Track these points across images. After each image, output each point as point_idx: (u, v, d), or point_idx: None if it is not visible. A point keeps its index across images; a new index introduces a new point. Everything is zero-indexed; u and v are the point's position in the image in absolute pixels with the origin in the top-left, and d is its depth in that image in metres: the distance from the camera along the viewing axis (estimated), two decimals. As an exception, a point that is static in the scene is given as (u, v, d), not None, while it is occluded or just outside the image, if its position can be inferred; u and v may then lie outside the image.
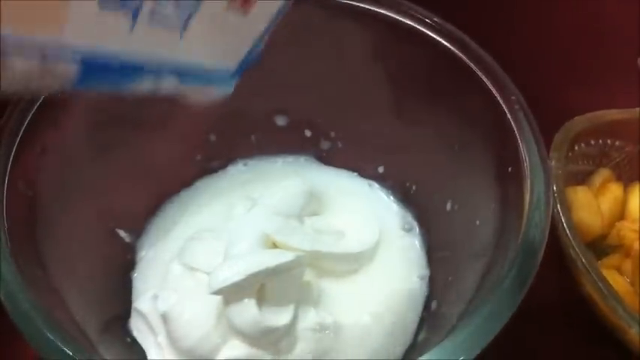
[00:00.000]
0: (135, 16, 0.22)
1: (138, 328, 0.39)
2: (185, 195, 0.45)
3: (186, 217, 0.43)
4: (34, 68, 0.21)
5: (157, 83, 0.25)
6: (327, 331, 0.37)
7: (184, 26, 0.25)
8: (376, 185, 0.46)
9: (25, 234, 0.33)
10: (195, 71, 0.27)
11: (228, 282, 0.34)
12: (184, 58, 0.26)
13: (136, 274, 0.42)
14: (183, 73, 0.26)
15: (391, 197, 0.45)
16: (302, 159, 0.47)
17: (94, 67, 0.22)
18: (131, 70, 0.24)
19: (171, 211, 0.44)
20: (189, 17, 0.24)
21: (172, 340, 0.37)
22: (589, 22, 0.59)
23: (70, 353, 0.28)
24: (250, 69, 0.42)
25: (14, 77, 0.21)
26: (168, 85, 0.26)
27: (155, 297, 0.38)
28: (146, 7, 0.23)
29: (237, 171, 0.47)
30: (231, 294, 0.35)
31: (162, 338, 0.38)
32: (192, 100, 0.30)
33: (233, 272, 0.34)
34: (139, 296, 0.40)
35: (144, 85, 0.25)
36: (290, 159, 0.47)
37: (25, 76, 0.21)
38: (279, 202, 0.40)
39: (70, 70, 0.22)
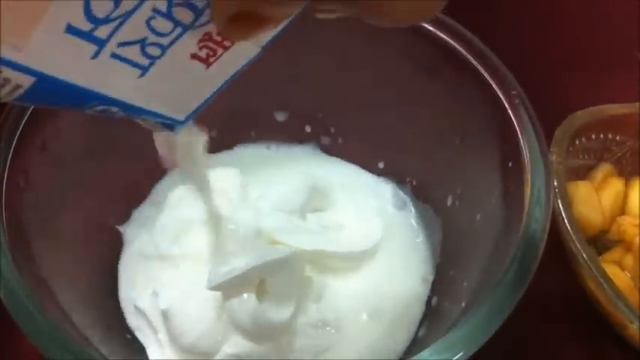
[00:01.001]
0: (100, 45, 0.22)
1: (137, 325, 0.39)
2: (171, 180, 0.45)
3: (171, 207, 0.42)
4: None
5: (103, 112, 0.25)
6: (327, 328, 0.37)
7: (147, 67, 0.25)
8: (380, 178, 0.46)
9: (22, 229, 0.33)
10: (144, 111, 0.27)
11: (228, 277, 0.34)
12: (136, 99, 0.26)
13: (121, 264, 0.41)
14: (131, 110, 0.26)
15: (395, 190, 0.45)
16: (307, 149, 0.47)
17: (47, 83, 0.22)
18: (81, 94, 0.24)
19: (157, 198, 0.44)
20: (154, 59, 0.24)
21: (173, 337, 0.37)
22: (590, 16, 0.59)
23: (74, 351, 0.28)
24: (250, 64, 0.42)
25: None
26: (114, 115, 0.26)
27: (155, 294, 0.38)
28: (113, 42, 0.23)
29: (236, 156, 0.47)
30: (231, 289, 0.35)
31: (162, 335, 0.38)
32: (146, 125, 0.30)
33: (232, 267, 0.34)
34: (128, 288, 0.40)
35: (89, 110, 0.25)
36: (296, 149, 0.47)
37: None
38: (281, 197, 0.40)
39: (23, 79, 0.22)
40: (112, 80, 0.24)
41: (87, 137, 0.38)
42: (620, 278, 0.42)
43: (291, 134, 0.47)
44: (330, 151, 0.47)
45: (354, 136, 0.46)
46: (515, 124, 0.35)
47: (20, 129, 0.34)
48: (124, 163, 0.41)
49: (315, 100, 0.45)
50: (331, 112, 0.45)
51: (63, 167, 0.37)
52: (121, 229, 0.42)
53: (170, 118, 0.28)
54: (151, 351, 0.38)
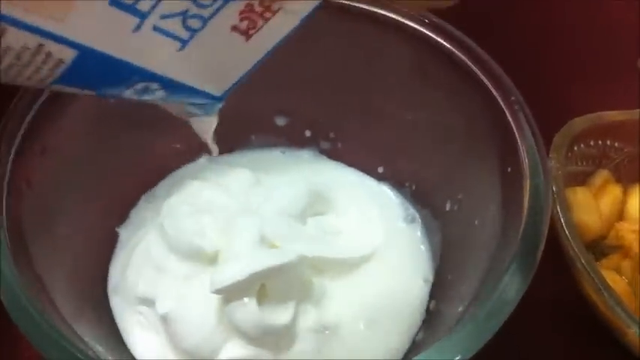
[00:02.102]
0: (142, 18, 0.22)
1: (135, 327, 0.39)
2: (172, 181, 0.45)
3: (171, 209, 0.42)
4: (30, 42, 0.20)
5: (143, 91, 0.25)
6: (327, 332, 0.37)
7: (188, 40, 0.24)
8: (383, 184, 0.46)
9: (22, 232, 0.33)
10: (182, 88, 0.26)
11: (229, 282, 0.34)
12: (176, 73, 0.25)
13: (114, 265, 0.41)
14: (170, 87, 0.26)
15: (397, 195, 0.45)
16: (309, 153, 0.47)
17: (89, 57, 0.22)
18: (123, 70, 0.24)
19: (155, 198, 0.44)
20: (195, 32, 0.24)
21: (173, 340, 0.37)
22: (589, 22, 0.59)
23: (77, 353, 0.28)
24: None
25: (7, 49, 0.20)
26: (154, 95, 0.26)
27: (153, 297, 0.38)
28: (155, 14, 0.22)
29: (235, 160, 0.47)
30: (231, 293, 0.35)
31: (161, 338, 0.38)
32: (174, 113, 0.29)
33: (234, 272, 0.34)
34: (121, 289, 0.40)
35: (129, 91, 0.25)
36: (297, 153, 0.47)
37: (18, 50, 0.20)
38: (283, 202, 0.40)
39: (65, 53, 0.21)
40: (152, 53, 0.24)
41: (87, 141, 0.39)
42: (619, 284, 0.42)
43: (291, 139, 0.47)
44: (330, 155, 0.47)
45: (353, 140, 0.46)
46: (515, 129, 0.35)
47: (21, 134, 0.34)
48: (123, 165, 0.41)
49: (315, 105, 0.45)
50: (331, 116, 0.45)
51: (63, 171, 0.37)
52: (118, 230, 0.42)
53: (207, 95, 0.28)
54: (150, 353, 0.38)
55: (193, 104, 0.28)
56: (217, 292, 0.34)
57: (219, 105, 0.29)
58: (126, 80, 0.24)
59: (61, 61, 0.22)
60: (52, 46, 0.21)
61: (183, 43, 0.24)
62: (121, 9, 0.21)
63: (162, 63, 0.24)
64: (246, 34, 0.26)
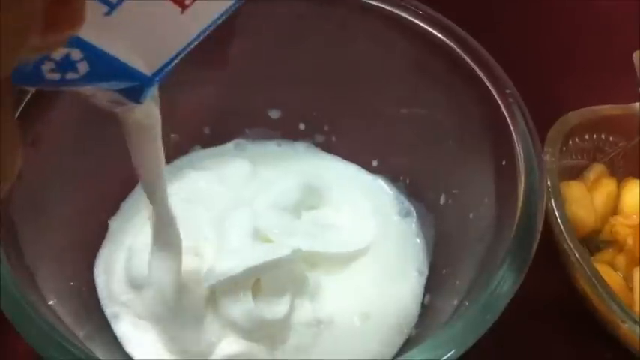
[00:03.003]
0: None
1: (128, 327, 0.38)
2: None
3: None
4: None
5: (63, 64, 0.23)
6: (322, 325, 0.37)
7: (116, 3, 0.23)
8: (378, 177, 0.46)
9: (12, 223, 0.33)
10: (108, 64, 0.25)
11: (224, 276, 0.34)
12: (101, 41, 0.24)
13: (102, 256, 0.41)
14: (94, 60, 0.24)
15: (392, 188, 0.45)
16: (303, 146, 0.47)
17: None
18: None
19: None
20: None
21: (165, 339, 0.37)
22: (584, 16, 0.59)
23: (67, 349, 0.28)
24: (244, 62, 0.42)
25: None
26: (76, 72, 0.24)
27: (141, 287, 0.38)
28: None
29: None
30: (226, 288, 0.35)
31: (154, 337, 0.37)
32: (99, 103, 0.28)
33: (229, 266, 0.34)
34: (110, 282, 0.39)
35: (47, 64, 0.23)
36: (292, 146, 0.47)
37: None
38: (276, 195, 0.40)
39: None
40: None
41: (78, 132, 0.38)
42: (612, 278, 0.42)
43: (285, 132, 0.46)
44: (324, 148, 0.47)
45: (348, 134, 0.46)
46: (509, 123, 0.35)
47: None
48: (114, 157, 0.41)
49: (309, 98, 0.44)
50: (325, 110, 0.45)
51: (54, 162, 0.37)
52: (109, 222, 0.42)
53: (137, 75, 0.26)
54: (144, 353, 0.37)
55: (121, 90, 0.26)
56: (212, 286, 0.34)
57: (152, 91, 0.27)
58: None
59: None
60: None
61: (111, 7, 0.22)
62: None
63: (87, 27, 0.23)
64: (182, 5, 0.24)
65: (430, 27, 0.38)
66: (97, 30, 0.23)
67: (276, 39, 0.41)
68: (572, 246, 0.40)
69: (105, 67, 0.24)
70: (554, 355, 0.43)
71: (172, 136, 0.44)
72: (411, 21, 0.39)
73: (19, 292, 0.30)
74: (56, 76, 0.23)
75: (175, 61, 0.26)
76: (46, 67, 0.23)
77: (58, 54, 0.22)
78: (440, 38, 0.38)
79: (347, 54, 0.42)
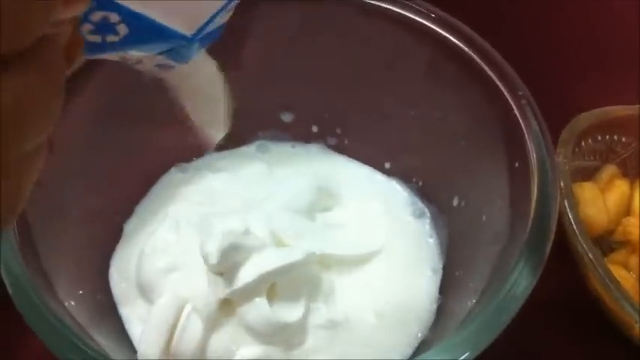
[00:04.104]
0: None
1: (137, 322, 0.38)
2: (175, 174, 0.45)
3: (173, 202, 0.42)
4: None
5: (102, 27, 0.23)
6: (337, 327, 0.37)
7: None
8: (392, 179, 0.46)
9: (29, 227, 0.33)
10: (147, 27, 0.24)
11: (240, 284, 0.34)
12: (138, 4, 0.24)
13: (116, 259, 0.41)
14: (133, 23, 0.24)
15: (405, 189, 0.45)
16: (316, 148, 0.47)
17: None
18: None
19: (160, 192, 0.44)
20: None
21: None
22: (596, 18, 0.59)
23: (91, 354, 0.28)
24: (257, 65, 0.42)
25: None
26: (117, 36, 0.24)
27: (155, 293, 0.38)
28: None
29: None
30: (242, 294, 0.35)
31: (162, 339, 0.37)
32: (144, 70, 0.27)
33: (244, 274, 0.34)
34: (125, 284, 0.39)
35: (86, 26, 0.23)
36: (305, 148, 0.47)
37: None
38: (290, 197, 0.40)
39: None
40: None
41: (92, 137, 0.39)
42: (626, 279, 0.42)
43: (298, 134, 0.47)
44: (337, 151, 0.47)
45: (360, 136, 0.46)
46: (522, 124, 0.35)
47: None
48: (128, 161, 0.41)
49: (321, 101, 0.45)
50: (338, 112, 0.45)
51: (70, 168, 0.37)
52: (124, 225, 0.42)
53: (177, 35, 0.25)
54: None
55: (164, 53, 0.26)
56: (227, 295, 0.34)
57: (195, 51, 0.27)
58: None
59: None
60: None
61: None
62: None
63: None
64: None
65: (442, 29, 0.39)
66: None
67: (289, 42, 0.41)
68: (585, 247, 0.40)
69: (143, 29, 0.24)
70: (567, 355, 0.43)
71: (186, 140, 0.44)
72: (423, 23, 0.39)
73: (35, 294, 0.30)
74: (97, 38, 0.23)
75: (215, 22, 0.26)
76: (85, 29, 0.23)
77: (96, 16, 0.22)
78: (452, 40, 0.38)
79: (359, 56, 0.42)
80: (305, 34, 0.41)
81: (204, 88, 0.33)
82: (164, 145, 0.43)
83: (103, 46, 0.24)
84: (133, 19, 0.23)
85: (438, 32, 0.39)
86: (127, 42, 0.24)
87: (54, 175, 0.35)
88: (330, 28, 0.41)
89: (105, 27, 0.23)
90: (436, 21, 0.39)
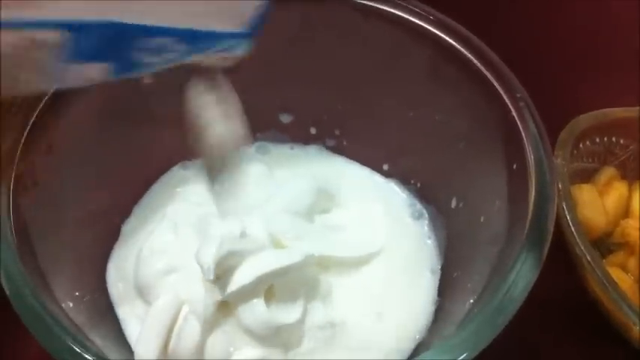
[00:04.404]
0: None
1: (134, 322, 0.38)
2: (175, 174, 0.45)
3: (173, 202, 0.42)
4: (20, 39, 0.19)
5: (161, 50, 0.24)
6: (336, 328, 0.37)
7: None
8: (391, 180, 0.46)
9: (27, 228, 0.33)
10: (201, 37, 0.25)
11: (237, 285, 0.34)
12: (187, 21, 0.24)
13: (113, 260, 0.41)
14: (187, 37, 0.24)
15: (404, 191, 0.45)
16: (315, 149, 0.47)
17: (86, 32, 0.21)
18: (133, 33, 0.22)
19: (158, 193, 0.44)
20: None
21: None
22: (594, 19, 0.59)
23: (89, 355, 0.28)
24: (255, 67, 0.42)
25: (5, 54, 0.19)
26: (178, 52, 0.24)
27: (151, 293, 0.38)
28: None
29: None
30: (239, 296, 0.35)
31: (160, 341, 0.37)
32: (208, 64, 0.28)
33: (242, 275, 0.34)
34: (117, 277, 0.39)
35: (146, 55, 0.23)
36: (304, 150, 0.47)
37: (13, 51, 0.19)
38: (289, 199, 0.40)
39: (56, 36, 0.20)
40: (161, 9, 0.23)
41: (91, 138, 0.39)
42: (624, 281, 0.42)
43: (297, 136, 0.47)
44: (335, 152, 0.47)
45: (358, 138, 0.46)
46: (520, 126, 0.35)
47: (27, 132, 0.34)
48: (127, 162, 0.41)
49: (320, 102, 0.45)
50: (336, 114, 0.45)
51: (68, 168, 0.37)
52: (122, 225, 0.42)
53: (232, 34, 0.26)
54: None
55: (223, 50, 0.27)
56: (224, 297, 0.34)
57: (251, 39, 0.27)
58: (136, 41, 0.23)
59: (56, 45, 0.21)
60: (40, 34, 0.20)
61: None
62: None
63: (172, 16, 0.23)
64: None
65: (441, 31, 0.39)
66: (177, 12, 0.23)
67: (288, 44, 0.41)
68: (583, 249, 0.40)
69: (200, 39, 0.24)
70: (565, 356, 0.43)
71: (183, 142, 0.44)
72: (421, 25, 0.39)
73: (33, 294, 0.30)
74: (155, 59, 0.23)
75: (263, 11, 0.27)
76: (147, 59, 0.23)
77: (151, 43, 0.23)
78: (450, 42, 0.38)
79: (357, 58, 0.42)
80: (303, 35, 0.41)
81: (220, 105, 0.33)
82: (163, 146, 0.43)
83: (165, 62, 0.24)
84: (187, 35, 0.24)
85: (436, 34, 0.39)
86: (187, 54, 0.25)
87: (52, 176, 0.36)
88: (328, 30, 0.41)
89: (163, 50, 0.24)
90: (435, 23, 0.39)
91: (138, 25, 0.22)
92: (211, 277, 0.34)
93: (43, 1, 0.19)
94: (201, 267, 0.34)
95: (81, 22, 0.20)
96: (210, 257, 0.34)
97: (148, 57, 0.23)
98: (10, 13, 0.19)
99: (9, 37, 0.20)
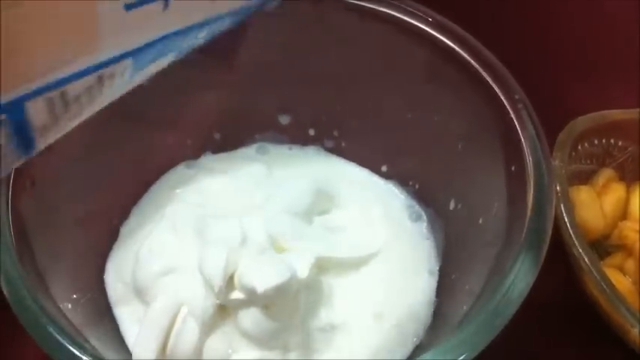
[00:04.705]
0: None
1: (133, 324, 0.38)
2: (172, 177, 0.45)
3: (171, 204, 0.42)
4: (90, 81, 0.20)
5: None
6: (335, 329, 0.37)
7: None
8: (390, 182, 0.46)
9: (25, 229, 0.33)
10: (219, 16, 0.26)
11: (238, 296, 0.34)
12: (214, 10, 0.25)
13: (111, 261, 0.41)
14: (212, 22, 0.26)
15: (403, 192, 0.45)
16: (313, 150, 0.47)
17: (142, 53, 0.22)
18: (172, 38, 0.23)
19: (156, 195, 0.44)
20: None
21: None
22: (592, 20, 0.59)
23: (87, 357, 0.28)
24: (253, 68, 0.42)
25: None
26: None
27: (149, 295, 0.38)
28: None
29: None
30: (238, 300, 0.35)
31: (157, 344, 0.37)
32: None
33: (240, 292, 0.34)
34: (120, 286, 0.39)
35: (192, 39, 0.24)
36: (302, 150, 0.47)
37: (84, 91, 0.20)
38: (288, 200, 0.40)
39: (122, 66, 0.21)
40: (190, 10, 0.23)
41: (88, 138, 0.38)
42: (622, 283, 0.42)
43: (295, 137, 0.47)
44: (334, 154, 0.47)
45: (357, 139, 0.46)
46: (518, 128, 0.35)
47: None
48: (126, 162, 0.41)
49: (318, 104, 0.45)
50: (335, 115, 0.45)
51: (66, 168, 0.37)
52: (120, 227, 0.42)
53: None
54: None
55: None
56: (223, 301, 0.34)
57: None
58: (180, 39, 0.24)
59: (121, 74, 0.22)
60: (106, 72, 0.21)
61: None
62: (140, 6, 0.21)
63: (200, 10, 0.24)
64: None
65: (439, 33, 0.39)
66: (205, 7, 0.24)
67: (286, 45, 0.42)
68: (581, 251, 0.40)
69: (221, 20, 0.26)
70: (563, 358, 0.43)
71: (186, 142, 0.44)
72: (420, 27, 0.39)
73: (31, 295, 0.30)
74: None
75: None
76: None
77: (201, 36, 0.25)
78: (449, 44, 0.38)
79: (355, 60, 0.42)
80: (302, 37, 0.41)
81: None
82: (162, 147, 0.43)
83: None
84: (211, 23, 0.25)
85: (435, 36, 0.39)
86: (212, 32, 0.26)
87: (50, 176, 0.36)
88: (326, 31, 0.41)
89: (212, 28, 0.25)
90: (433, 24, 0.39)
91: (181, 30, 0.24)
92: (217, 290, 0.34)
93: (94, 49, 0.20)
94: (208, 280, 0.34)
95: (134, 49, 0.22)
96: (218, 272, 0.34)
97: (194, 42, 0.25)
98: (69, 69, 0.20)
99: (83, 83, 0.21)
